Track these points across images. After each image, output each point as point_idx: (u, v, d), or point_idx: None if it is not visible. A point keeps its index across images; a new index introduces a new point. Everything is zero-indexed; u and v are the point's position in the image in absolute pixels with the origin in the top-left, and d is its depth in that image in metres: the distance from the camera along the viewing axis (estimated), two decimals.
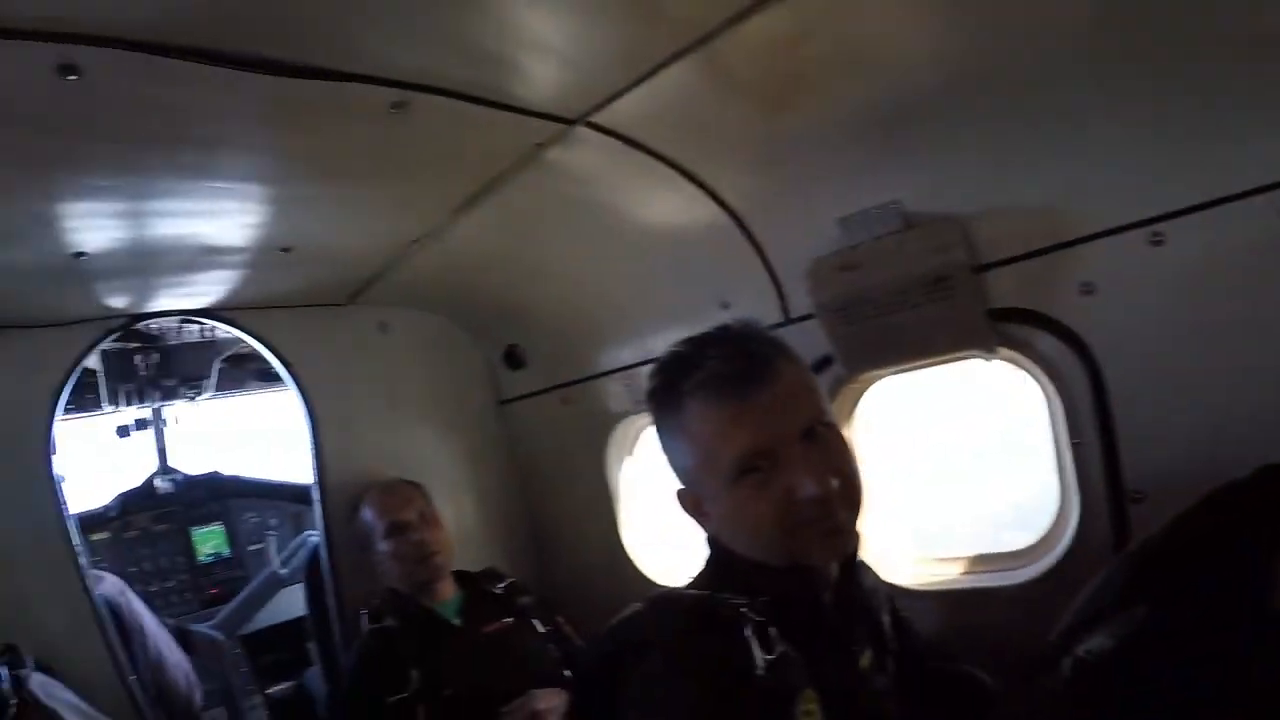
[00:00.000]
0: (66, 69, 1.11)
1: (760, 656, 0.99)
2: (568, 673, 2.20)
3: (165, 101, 1.27)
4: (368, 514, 2.44)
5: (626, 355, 2.44)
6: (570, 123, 1.56)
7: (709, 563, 1.23)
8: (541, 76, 1.41)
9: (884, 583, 1.39)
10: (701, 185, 1.78)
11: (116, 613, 2.39)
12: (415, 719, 2.06)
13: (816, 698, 0.99)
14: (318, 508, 2.62)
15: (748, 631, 1.01)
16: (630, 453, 2.66)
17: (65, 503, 2.24)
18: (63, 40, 1.07)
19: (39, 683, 1.85)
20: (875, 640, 1.25)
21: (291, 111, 1.37)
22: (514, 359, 2.85)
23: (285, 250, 2.06)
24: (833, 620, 1.17)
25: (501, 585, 2.42)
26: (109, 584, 2.49)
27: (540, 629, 2.34)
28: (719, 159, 1.72)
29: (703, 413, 1.11)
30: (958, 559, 1.91)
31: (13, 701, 1.74)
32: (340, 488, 2.60)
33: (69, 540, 2.21)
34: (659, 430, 1.21)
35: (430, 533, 2.37)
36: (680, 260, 2.06)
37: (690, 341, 1.17)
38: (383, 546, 2.37)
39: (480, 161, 1.71)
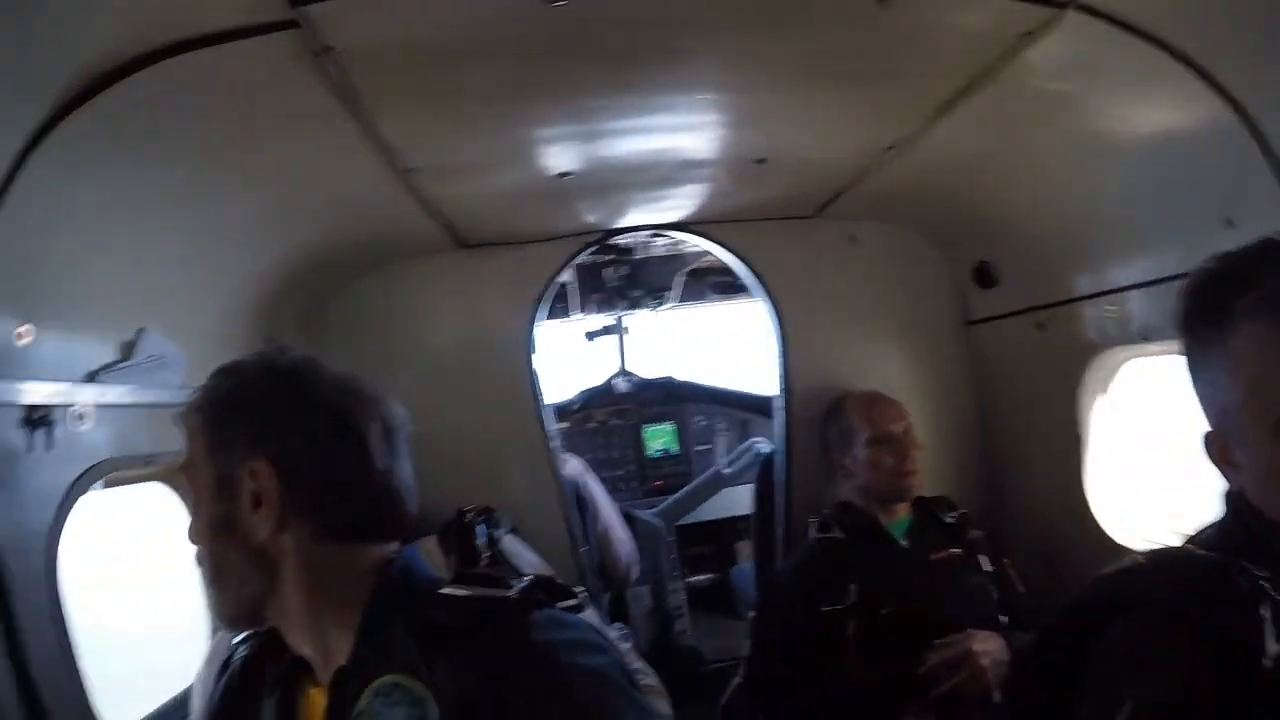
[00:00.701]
0: None
1: (1273, 645, 0.82)
2: (1004, 618, 2.08)
3: (643, 16, 1.25)
4: (853, 420, 2.38)
5: (1113, 277, 2.01)
6: (1061, 6, 1.29)
7: (1226, 522, 1.03)
8: None
9: None
10: (1204, 75, 1.40)
11: (578, 491, 2.73)
12: (845, 632, 2.04)
13: None
14: (780, 415, 2.66)
15: (1264, 611, 0.84)
16: (1105, 390, 2.23)
17: (541, 394, 2.60)
18: None
19: (509, 541, 2.19)
20: None
21: (772, 14, 1.29)
22: (985, 276, 2.56)
23: (759, 161, 2.04)
24: None
25: (954, 515, 2.30)
26: (573, 465, 2.84)
27: (986, 567, 2.19)
28: (1226, 42, 1.35)
29: (1262, 337, 0.91)
30: None
31: (486, 554, 2.07)
32: (803, 398, 2.61)
33: (544, 426, 2.57)
34: (1191, 359, 1.01)
35: (913, 450, 2.29)
36: (1174, 167, 1.66)
37: (1234, 255, 0.96)
38: (861, 454, 2.31)
39: (961, 57, 1.50)
